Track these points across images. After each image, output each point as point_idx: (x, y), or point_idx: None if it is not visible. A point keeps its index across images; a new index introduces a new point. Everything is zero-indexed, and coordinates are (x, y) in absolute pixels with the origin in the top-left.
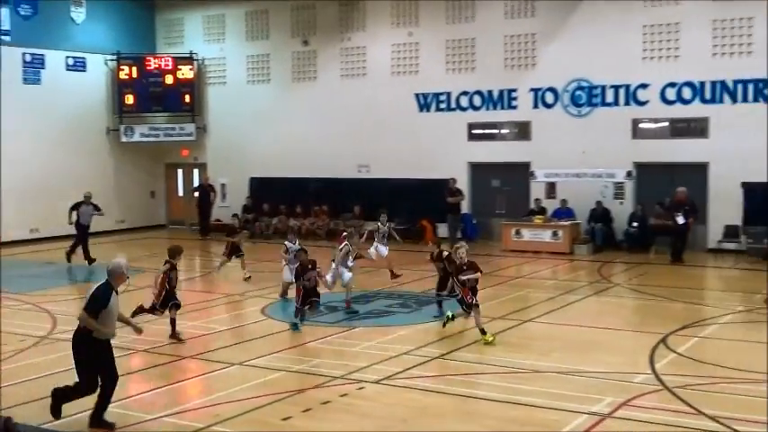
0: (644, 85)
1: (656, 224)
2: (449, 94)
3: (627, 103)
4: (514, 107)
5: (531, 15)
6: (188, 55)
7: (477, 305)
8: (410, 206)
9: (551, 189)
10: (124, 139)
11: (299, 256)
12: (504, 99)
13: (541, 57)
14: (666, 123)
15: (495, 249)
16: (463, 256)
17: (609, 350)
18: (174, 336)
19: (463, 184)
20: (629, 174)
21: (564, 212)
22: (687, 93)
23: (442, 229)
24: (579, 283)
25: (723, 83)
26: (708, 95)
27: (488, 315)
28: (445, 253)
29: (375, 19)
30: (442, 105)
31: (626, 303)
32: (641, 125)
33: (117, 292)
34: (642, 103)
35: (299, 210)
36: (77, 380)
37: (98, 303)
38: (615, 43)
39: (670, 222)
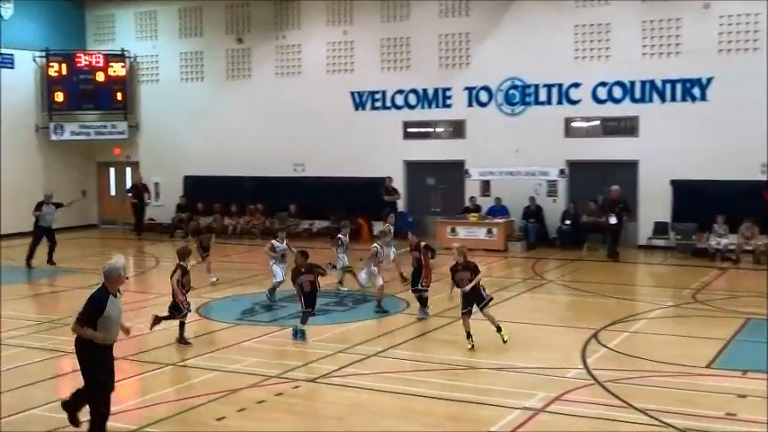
0: (576, 85)
1: (589, 221)
2: (384, 93)
3: (559, 102)
4: (449, 106)
5: (466, 15)
6: (119, 52)
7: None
8: (346, 205)
9: (486, 187)
10: (54, 138)
11: (286, 256)
12: (439, 98)
13: (475, 56)
14: (598, 122)
15: None
16: (458, 256)
17: (542, 346)
18: (183, 340)
19: (399, 182)
20: (561, 172)
21: (498, 210)
22: (618, 92)
23: (379, 227)
24: (513, 279)
25: (652, 82)
26: (638, 95)
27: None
28: (423, 243)
29: (310, 17)
30: (378, 104)
31: (559, 300)
32: (573, 124)
33: (117, 295)
34: (574, 102)
35: (235, 208)
36: (82, 385)
37: (91, 312)
38: (548, 43)
39: (602, 220)
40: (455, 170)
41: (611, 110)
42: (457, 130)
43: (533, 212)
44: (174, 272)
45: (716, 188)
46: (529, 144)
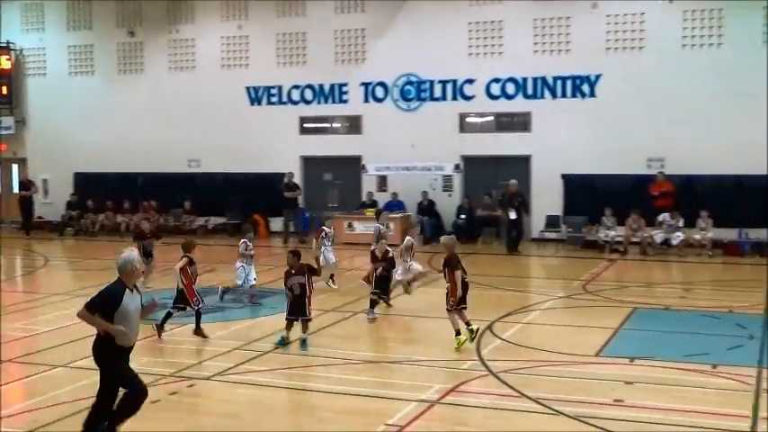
0: (470, 81)
1: (483, 215)
2: (280, 88)
3: (454, 98)
4: (345, 101)
5: (361, 11)
6: (4, 44)
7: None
8: (242, 201)
9: (383, 182)
10: None
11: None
12: (336, 93)
13: (371, 52)
14: (492, 118)
15: None
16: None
17: (438, 339)
18: (200, 332)
19: (296, 177)
20: (456, 167)
21: (395, 205)
22: (511, 88)
23: (276, 224)
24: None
25: (544, 79)
26: (530, 91)
27: (321, 308)
28: (391, 254)
29: (204, 11)
30: (274, 99)
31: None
32: (468, 119)
33: (134, 290)
34: (469, 98)
35: (127, 206)
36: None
37: (103, 301)
38: (442, 39)
39: (497, 213)
40: (352, 166)
41: (504, 106)
42: (353, 125)
43: (426, 207)
44: (180, 261)
45: (604, 182)
46: (425, 139)
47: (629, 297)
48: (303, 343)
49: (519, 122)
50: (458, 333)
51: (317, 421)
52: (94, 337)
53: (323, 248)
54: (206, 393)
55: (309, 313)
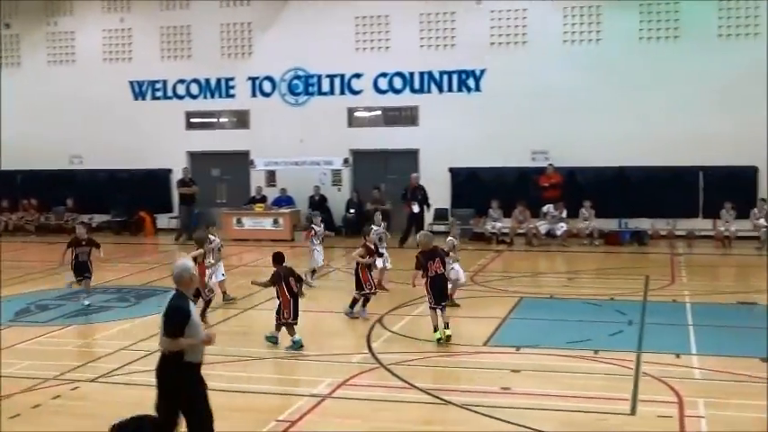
0: (358, 75)
1: (373, 209)
2: (165, 82)
3: (342, 93)
4: (233, 96)
5: (247, 4)
6: None
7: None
8: (127, 197)
9: (271, 177)
10: None
11: (220, 251)
12: (222, 87)
13: (258, 46)
14: (379, 112)
15: None
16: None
17: (329, 333)
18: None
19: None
20: (345, 161)
21: (284, 200)
22: (398, 83)
23: (162, 221)
24: (300, 269)
25: (430, 73)
26: (417, 85)
27: (211, 305)
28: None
29: (83, 3)
30: (158, 93)
31: (346, 287)
32: (356, 114)
33: (194, 300)
34: (357, 93)
35: (6, 204)
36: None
37: (177, 319)
38: (329, 34)
39: (386, 207)
40: (240, 161)
41: (391, 100)
42: (241, 120)
43: (318, 202)
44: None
45: (490, 175)
46: (313, 134)
47: (516, 287)
48: (273, 339)
49: (407, 116)
50: (435, 329)
51: None
52: (159, 357)
53: (312, 248)
54: (91, 396)
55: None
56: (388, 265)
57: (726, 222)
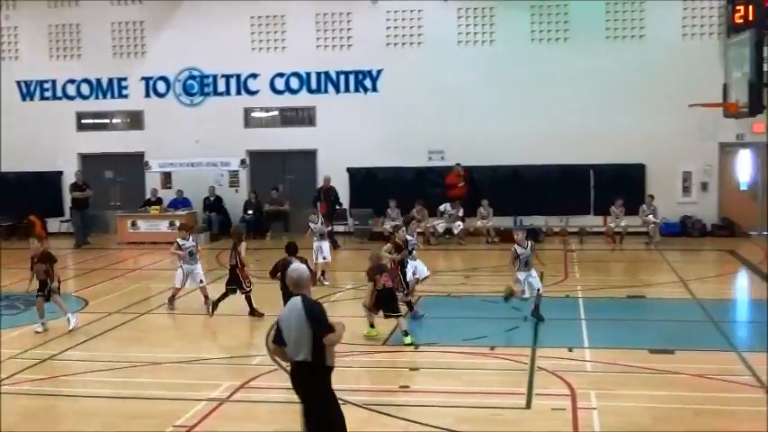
0: (254, 75)
1: (271, 210)
2: (54, 82)
3: (238, 93)
4: (126, 96)
5: (139, 2)
6: None
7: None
8: (16, 201)
9: (167, 179)
10: None
11: (195, 254)
12: (115, 87)
13: (152, 45)
14: (277, 112)
15: (110, 242)
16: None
17: (226, 336)
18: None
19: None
20: (242, 162)
21: (180, 202)
22: (295, 83)
23: (53, 225)
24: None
25: (327, 74)
26: (314, 86)
27: (105, 310)
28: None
29: None
30: (47, 94)
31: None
32: (253, 114)
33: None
34: (253, 93)
35: None
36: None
37: (324, 314)
38: (224, 33)
39: (284, 208)
40: (134, 162)
41: (288, 100)
42: (135, 121)
43: (213, 203)
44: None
45: (388, 174)
46: (209, 135)
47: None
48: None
49: (304, 117)
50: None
51: (100, 427)
52: (302, 367)
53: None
54: None
55: None
56: (328, 258)
57: (616, 218)
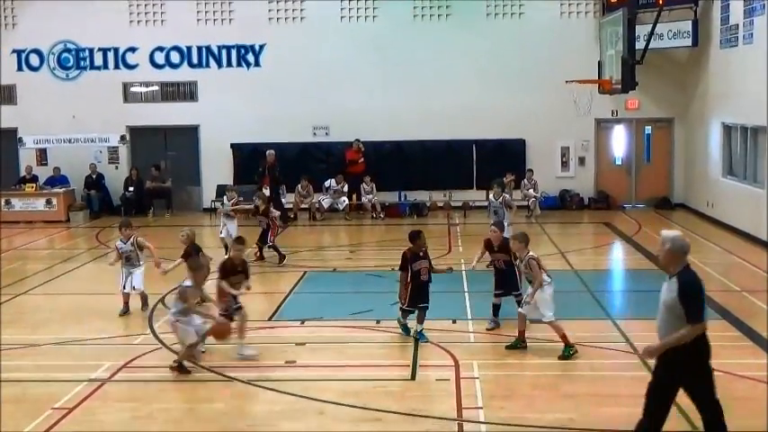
0: (133, 49)
1: (152, 187)
2: None
3: (117, 67)
4: None
5: None
6: None
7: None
8: None
9: (43, 156)
10: None
11: (133, 258)
12: None
13: (22, 16)
14: (157, 87)
15: None
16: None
17: (107, 316)
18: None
19: None
20: (122, 138)
21: (57, 180)
22: (176, 57)
23: None
24: (77, 250)
25: (209, 48)
26: (195, 60)
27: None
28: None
29: None
30: None
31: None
32: (132, 89)
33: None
34: (132, 67)
35: None
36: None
37: (700, 297)
38: (101, 6)
39: (166, 185)
40: (7, 139)
41: (169, 75)
42: (7, 95)
43: (95, 181)
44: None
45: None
46: (87, 110)
47: (300, 262)
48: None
49: (185, 92)
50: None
51: None
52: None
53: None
54: None
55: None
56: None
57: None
